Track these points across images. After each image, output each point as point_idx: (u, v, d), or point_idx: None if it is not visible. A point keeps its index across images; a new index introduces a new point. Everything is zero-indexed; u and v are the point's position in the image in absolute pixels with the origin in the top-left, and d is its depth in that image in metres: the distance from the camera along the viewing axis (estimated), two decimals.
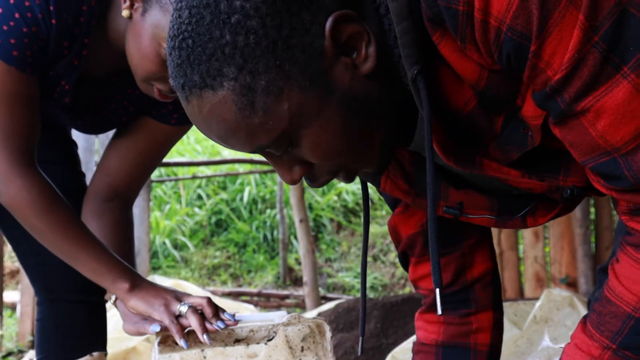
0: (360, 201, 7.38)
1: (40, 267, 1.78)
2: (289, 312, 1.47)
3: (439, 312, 0.93)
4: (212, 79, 0.86)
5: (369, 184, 1.19)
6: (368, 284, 6.24)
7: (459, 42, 0.85)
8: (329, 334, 1.39)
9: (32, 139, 1.49)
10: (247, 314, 1.50)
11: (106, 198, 1.72)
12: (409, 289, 5.37)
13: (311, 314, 4.12)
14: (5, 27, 1.36)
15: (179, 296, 1.43)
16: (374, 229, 7.10)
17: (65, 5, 1.39)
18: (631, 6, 0.79)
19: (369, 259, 6.87)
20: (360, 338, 1.24)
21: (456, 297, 1.31)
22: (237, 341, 1.42)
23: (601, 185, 0.90)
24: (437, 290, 0.93)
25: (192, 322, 1.35)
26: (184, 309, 1.38)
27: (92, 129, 1.73)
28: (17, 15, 1.35)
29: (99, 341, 1.84)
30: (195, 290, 4.21)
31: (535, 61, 0.82)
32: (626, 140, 0.83)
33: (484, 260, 1.32)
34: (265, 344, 1.37)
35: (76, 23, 1.42)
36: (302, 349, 1.38)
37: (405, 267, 1.37)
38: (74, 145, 1.87)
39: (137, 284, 1.47)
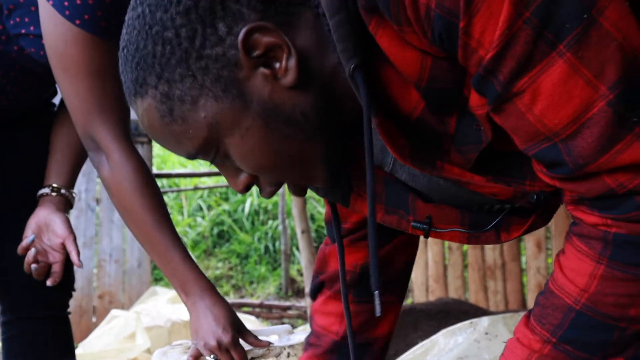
0: None
1: (5, 285, 1.78)
2: (291, 324, 1.47)
3: (378, 312, 0.92)
4: (139, 86, 0.90)
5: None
6: None
7: (396, 26, 0.82)
8: None
9: (126, 111, 1.49)
10: (256, 329, 1.51)
11: None
12: (410, 300, 5.35)
13: None
14: (90, 1, 1.36)
15: (222, 341, 1.39)
16: None
17: None
18: None
19: None
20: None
21: (353, 352, 1.27)
22: (252, 359, 1.43)
23: (544, 175, 0.86)
24: (376, 292, 0.91)
25: None
26: None
27: None
28: None
29: (67, 355, 1.84)
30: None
31: (466, 39, 0.78)
32: (565, 123, 0.79)
33: (390, 322, 1.34)
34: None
35: None
36: (288, 355, 1.41)
37: (314, 296, 1.36)
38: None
39: (194, 301, 1.44)
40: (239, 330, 1.43)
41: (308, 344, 1.37)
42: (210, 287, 1.46)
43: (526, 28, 0.75)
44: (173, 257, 1.46)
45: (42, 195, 1.72)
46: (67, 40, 1.39)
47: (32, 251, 1.67)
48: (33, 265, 1.67)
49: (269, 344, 1.44)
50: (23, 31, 1.52)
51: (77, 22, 1.37)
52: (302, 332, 1.47)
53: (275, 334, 1.49)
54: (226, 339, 1.39)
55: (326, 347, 1.33)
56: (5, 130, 1.77)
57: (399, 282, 1.34)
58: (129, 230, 1.53)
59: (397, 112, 0.93)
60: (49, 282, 1.70)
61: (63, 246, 1.69)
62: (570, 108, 0.78)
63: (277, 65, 0.88)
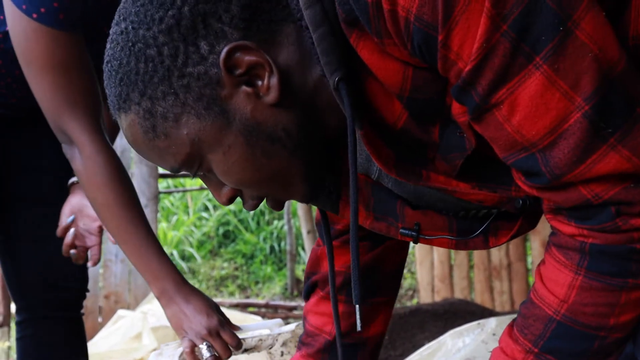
0: None
1: (20, 285, 1.78)
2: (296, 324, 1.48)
3: (359, 327, 0.94)
4: (123, 102, 0.92)
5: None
6: None
7: (376, 39, 0.83)
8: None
9: (96, 103, 1.49)
10: (247, 324, 1.52)
11: None
12: (416, 300, 5.35)
13: None
14: None
15: (210, 326, 1.40)
16: None
17: None
18: None
19: None
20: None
21: (345, 351, 1.30)
22: (246, 351, 1.44)
23: (523, 183, 0.87)
24: (357, 306, 0.94)
25: None
26: (205, 353, 1.38)
27: None
28: None
29: (80, 355, 1.85)
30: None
31: (445, 52, 0.79)
32: (542, 134, 0.79)
33: (382, 322, 1.35)
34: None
35: None
36: (282, 354, 1.43)
37: (307, 296, 1.37)
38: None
39: (170, 296, 1.44)
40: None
41: (301, 342, 1.37)
42: (184, 281, 1.46)
43: (504, 41, 0.76)
44: (146, 251, 1.46)
45: (72, 183, 1.74)
46: (28, 34, 1.38)
47: (71, 232, 1.69)
48: (72, 251, 1.69)
49: (238, 328, 1.45)
50: (7, 28, 1.52)
51: (34, 15, 1.36)
52: (293, 324, 1.48)
53: (267, 328, 1.49)
54: (213, 323, 1.40)
55: (319, 346, 1.34)
56: (13, 130, 1.78)
57: (391, 283, 1.36)
58: (102, 224, 1.53)
59: (382, 122, 0.93)
60: (90, 264, 1.72)
61: (100, 229, 1.70)
62: (547, 119, 0.79)
63: (259, 83, 0.89)
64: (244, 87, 0.89)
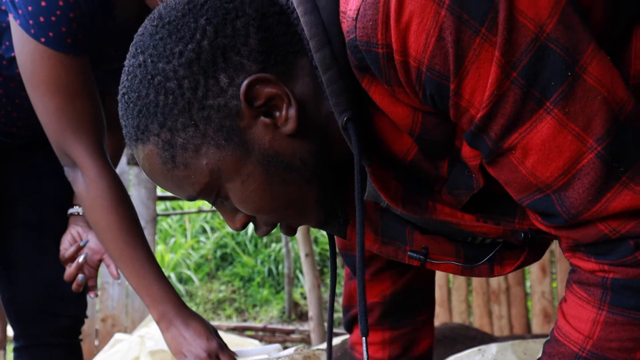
0: None
1: (18, 312, 1.78)
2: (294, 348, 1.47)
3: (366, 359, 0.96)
4: (141, 132, 0.93)
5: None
6: None
7: (387, 86, 0.86)
8: None
9: (100, 127, 1.50)
10: (244, 349, 1.51)
11: None
12: None
13: (317, 347, 4.07)
14: (53, 18, 1.37)
15: (209, 350, 1.40)
16: None
17: None
18: (550, 41, 0.78)
19: None
20: None
21: None
22: None
23: (540, 223, 0.89)
24: (364, 339, 0.96)
25: None
26: None
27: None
28: (61, 3, 1.37)
29: None
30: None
31: (457, 100, 0.82)
32: (556, 176, 0.82)
33: (429, 335, 1.39)
34: None
35: None
36: None
37: (349, 329, 1.41)
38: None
39: (170, 319, 1.44)
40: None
41: None
42: (183, 305, 1.46)
43: (514, 88, 0.79)
44: (146, 275, 1.46)
45: (72, 214, 1.74)
46: (35, 58, 1.40)
47: (83, 255, 1.68)
48: (80, 275, 1.69)
49: (235, 354, 1.45)
50: (13, 54, 1.53)
51: (42, 39, 1.38)
52: (291, 348, 1.47)
53: (265, 354, 1.49)
54: (212, 346, 1.40)
55: None
56: (12, 156, 1.78)
57: (428, 298, 1.40)
58: (103, 246, 1.53)
59: (391, 155, 0.96)
60: (92, 295, 1.73)
61: (99, 262, 1.70)
62: (560, 161, 0.81)
63: (278, 114, 0.91)
64: (262, 118, 0.91)
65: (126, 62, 0.95)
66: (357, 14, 0.83)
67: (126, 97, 0.94)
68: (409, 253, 1.10)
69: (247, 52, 0.89)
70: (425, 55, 0.80)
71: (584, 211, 0.82)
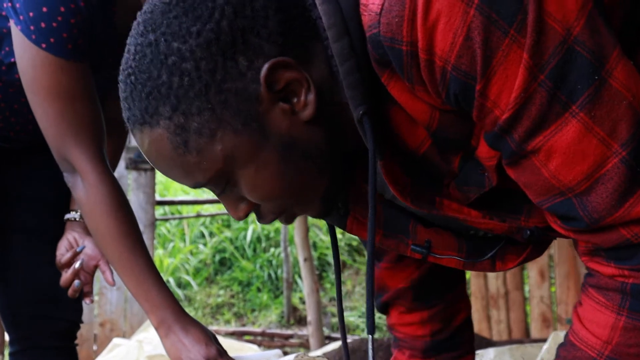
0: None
1: (14, 317, 1.78)
2: (293, 352, 1.47)
3: (371, 358, 0.96)
4: (149, 116, 0.88)
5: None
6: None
7: (407, 83, 0.84)
8: None
9: (100, 132, 1.50)
10: (245, 354, 1.51)
11: None
12: None
13: (316, 354, 4.07)
14: (54, 24, 1.37)
15: (209, 356, 1.39)
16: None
17: None
18: (577, 45, 0.77)
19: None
20: None
21: (443, 345, 1.35)
22: None
23: (558, 226, 0.89)
24: (370, 337, 0.95)
25: None
26: None
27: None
28: (62, 9, 1.37)
29: None
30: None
31: (482, 101, 0.81)
32: (579, 180, 0.82)
33: (465, 306, 1.39)
34: None
35: None
36: None
37: (385, 311, 1.40)
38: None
39: (169, 325, 1.43)
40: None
41: (398, 345, 1.40)
42: (182, 311, 1.45)
43: (541, 90, 0.78)
44: (146, 280, 1.46)
45: (69, 219, 1.73)
46: (36, 64, 1.40)
47: (79, 261, 1.68)
48: (76, 281, 1.68)
49: None
50: (12, 59, 1.53)
51: (43, 45, 1.38)
52: (291, 355, 1.47)
53: (265, 359, 1.49)
54: (212, 353, 1.39)
55: (422, 347, 1.37)
56: (10, 160, 1.78)
57: (454, 274, 1.37)
58: (102, 251, 1.53)
59: (404, 147, 0.95)
60: (87, 301, 1.72)
61: (95, 268, 1.69)
62: (584, 165, 0.81)
63: (295, 99, 0.89)
64: (281, 104, 0.88)
65: (131, 41, 0.90)
66: (382, 9, 0.81)
67: (132, 77, 0.88)
68: (411, 246, 1.09)
69: (267, 34, 0.86)
70: (452, 54, 0.79)
71: (606, 216, 0.82)
